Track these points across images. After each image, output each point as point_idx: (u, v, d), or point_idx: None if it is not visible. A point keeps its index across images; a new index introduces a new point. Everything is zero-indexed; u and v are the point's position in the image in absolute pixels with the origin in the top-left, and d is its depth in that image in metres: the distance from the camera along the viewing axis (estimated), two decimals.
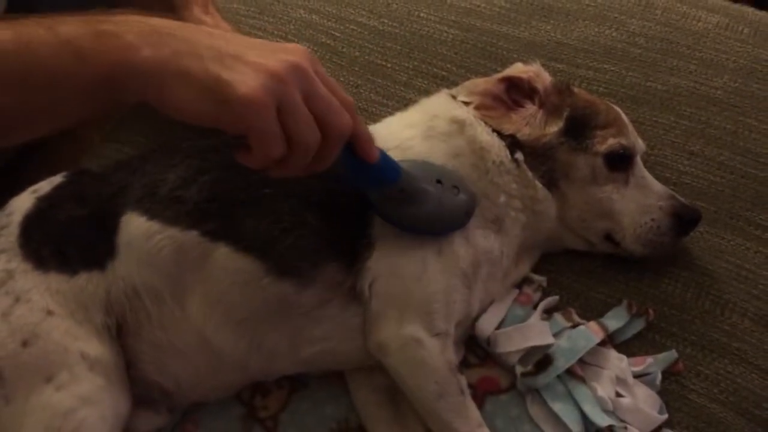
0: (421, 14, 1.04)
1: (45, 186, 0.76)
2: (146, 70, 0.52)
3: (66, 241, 0.72)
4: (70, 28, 0.52)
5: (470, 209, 0.73)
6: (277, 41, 0.58)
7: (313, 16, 1.07)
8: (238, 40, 0.56)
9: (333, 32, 1.04)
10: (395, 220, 0.71)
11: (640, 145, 0.82)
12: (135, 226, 0.71)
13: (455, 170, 0.74)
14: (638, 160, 0.81)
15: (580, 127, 0.79)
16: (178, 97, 0.53)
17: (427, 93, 0.87)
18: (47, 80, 0.52)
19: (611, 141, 0.78)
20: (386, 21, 1.05)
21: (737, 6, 1.03)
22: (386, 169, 0.66)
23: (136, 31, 0.53)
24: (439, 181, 0.71)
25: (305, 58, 0.56)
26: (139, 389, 0.72)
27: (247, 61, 0.53)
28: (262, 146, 0.55)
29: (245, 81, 0.52)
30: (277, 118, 0.53)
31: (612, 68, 0.96)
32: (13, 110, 0.53)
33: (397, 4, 1.06)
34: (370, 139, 0.62)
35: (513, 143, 0.78)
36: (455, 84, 0.86)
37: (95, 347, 0.68)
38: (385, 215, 0.71)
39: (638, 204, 0.78)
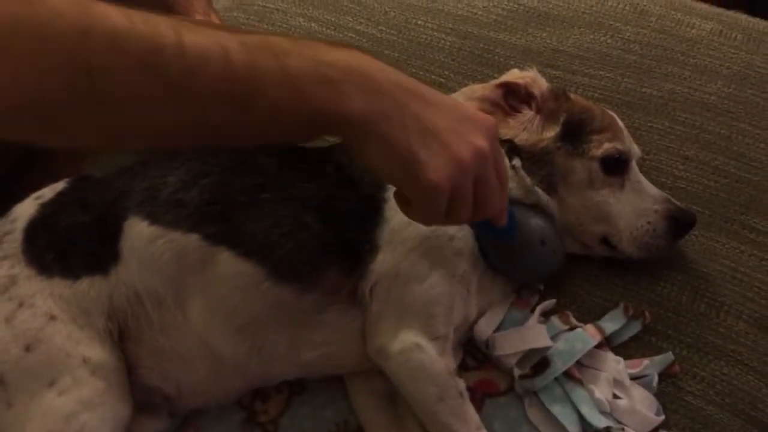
0: (419, 22, 1.05)
1: (48, 192, 0.77)
2: (354, 124, 0.55)
3: (69, 246, 0.72)
4: (297, 63, 0.54)
5: (555, 272, 0.80)
6: None
7: (312, 24, 1.08)
8: (440, 107, 0.58)
9: (332, 40, 1.06)
10: (494, 262, 0.77)
11: (635, 150, 0.83)
12: (137, 231, 0.72)
13: (557, 232, 0.79)
14: (634, 164, 0.82)
15: (576, 132, 0.80)
16: (374, 155, 0.57)
17: None
18: (266, 109, 0.54)
19: (607, 145, 0.79)
20: (384, 29, 1.06)
21: (730, 13, 1.04)
22: (508, 229, 0.70)
23: (355, 83, 0.55)
24: (543, 242, 0.76)
25: (490, 139, 0.59)
26: (140, 394, 0.72)
27: (443, 141, 0.56)
28: (425, 217, 0.61)
29: (437, 167, 0.56)
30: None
31: (607, 75, 0.97)
32: (229, 127, 0.55)
33: (394, 12, 1.07)
34: (504, 209, 0.66)
35: (511, 149, 0.79)
36: (453, 90, 0.87)
37: (97, 352, 0.69)
38: (487, 255, 0.76)
39: (634, 207, 0.79)
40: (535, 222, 0.77)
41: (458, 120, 0.58)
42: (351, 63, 0.56)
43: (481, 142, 0.58)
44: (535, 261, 0.77)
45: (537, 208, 0.78)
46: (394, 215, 0.74)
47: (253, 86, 0.53)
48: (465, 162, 0.57)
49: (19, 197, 0.77)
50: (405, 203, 0.61)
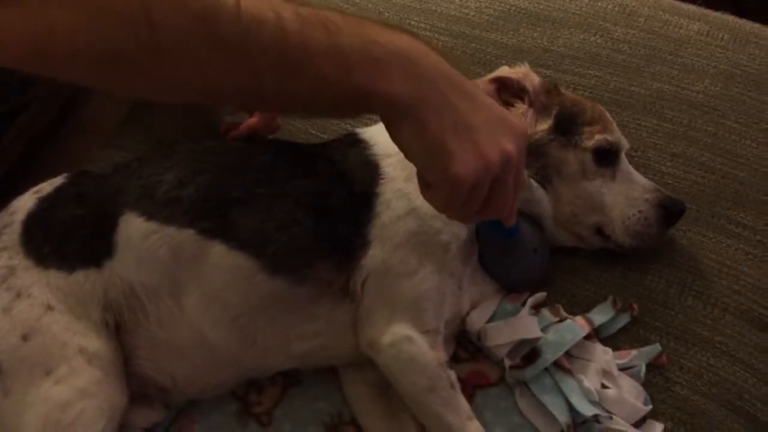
0: (412, 22, 1.07)
1: (46, 187, 0.78)
2: (394, 105, 0.57)
3: (64, 239, 0.73)
4: (348, 41, 0.55)
5: (540, 281, 0.81)
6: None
7: None
8: (478, 105, 0.60)
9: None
10: (488, 264, 0.79)
11: (624, 141, 0.84)
12: (133, 226, 0.73)
13: (547, 244, 0.81)
14: (623, 155, 0.83)
15: (568, 125, 0.81)
16: (407, 138, 0.58)
17: None
18: (313, 80, 0.55)
19: (598, 137, 0.81)
20: None
21: (717, 14, 1.06)
22: (509, 229, 0.72)
23: (401, 66, 0.56)
24: (535, 250, 0.78)
25: (518, 145, 0.61)
26: (136, 384, 0.73)
27: (475, 139, 0.58)
28: (443, 206, 0.63)
29: (464, 161, 0.57)
30: None
31: (597, 74, 0.99)
32: (276, 94, 0.56)
33: (388, 12, 1.09)
34: (514, 212, 0.68)
35: None
36: None
37: (93, 342, 0.70)
38: (482, 255, 0.79)
39: (626, 197, 0.81)
40: (531, 230, 0.79)
41: (493, 120, 0.60)
42: (399, 46, 0.57)
43: (510, 147, 0.59)
44: (525, 268, 0.80)
45: (530, 218, 0.80)
46: (385, 210, 0.75)
47: (304, 56, 0.54)
48: (491, 163, 0.58)
49: (20, 193, 0.79)
50: (425, 186, 0.62)
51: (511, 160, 0.60)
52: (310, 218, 0.74)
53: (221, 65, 0.54)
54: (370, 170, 0.77)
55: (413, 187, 0.75)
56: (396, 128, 0.58)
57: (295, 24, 0.54)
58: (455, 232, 0.76)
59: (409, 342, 0.71)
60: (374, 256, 0.73)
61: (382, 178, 0.76)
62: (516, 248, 0.78)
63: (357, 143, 0.81)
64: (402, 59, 0.57)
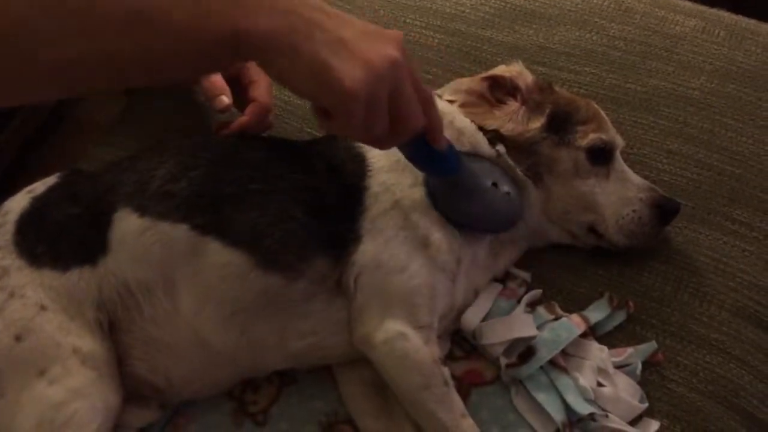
0: (407, 20, 1.07)
1: (39, 186, 0.78)
2: (262, 40, 0.54)
3: (59, 238, 0.73)
4: None
5: (516, 217, 0.78)
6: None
7: None
8: (345, 21, 0.58)
9: None
10: (445, 209, 0.75)
11: (619, 140, 0.84)
12: (127, 223, 0.72)
13: (512, 178, 0.78)
14: (618, 154, 0.83)
15: (561, 123, 0.81)
16: (286, 71, 0.56)
17: None
18: (170, 31, 0.53)
19: (592, 135, 0.81)
20: None
21: (713, 10, 1.06)
22: (449, 160, 0.69)
23: (258, 2, 0.54)
24: (494, 184, 0.75)
25: (402, 51, 0.59)
26: (131, 385, 0.73)
27: (354, 50, 0.56)
28: (343, 127, 0.59)
29: (350, 73, 0.55)
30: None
31: (593, 71, 0.98)
32: (133, 59, 0.54)
33: (384, 10, 1.09)
34: (440, 130, 0.65)
35: (494, 138, 0.80)
36: (440, 87, 0.88)
37: (87, 342, 0.70)
38: (437, 203, 0.75)
39: (620, 196, 0.80)
40: (485, 165, 0.77)
41: (365, 31, 0.58)
42: None
43: (393, 52, 0.57)
44: (489, 202, 0.76)
45: (490, 160, 0.78)
46: (373, 204, 0.75)
47: (154, 10, 0.52)
48: (378, 68, 0.56)
49: (13, 193, 0.79)
50: (325, 118, 0.59)
51: (398, 64, 0.57)
52: (304, 214, 0.73)
53: (70, 40, 0.51)
54: (358, 162, 0.77)
55: (396, 178, 0.76)
56: (271, 65, 0.56)
57: None
58: (444, 225, 0.75)
59: (402, 339, 0.71)
60: (365, 251, 0.73)
61: (370, 170, 0.76)
62: (471, 185, 0.74)
63: (345, 137, 0.81)
64: None
